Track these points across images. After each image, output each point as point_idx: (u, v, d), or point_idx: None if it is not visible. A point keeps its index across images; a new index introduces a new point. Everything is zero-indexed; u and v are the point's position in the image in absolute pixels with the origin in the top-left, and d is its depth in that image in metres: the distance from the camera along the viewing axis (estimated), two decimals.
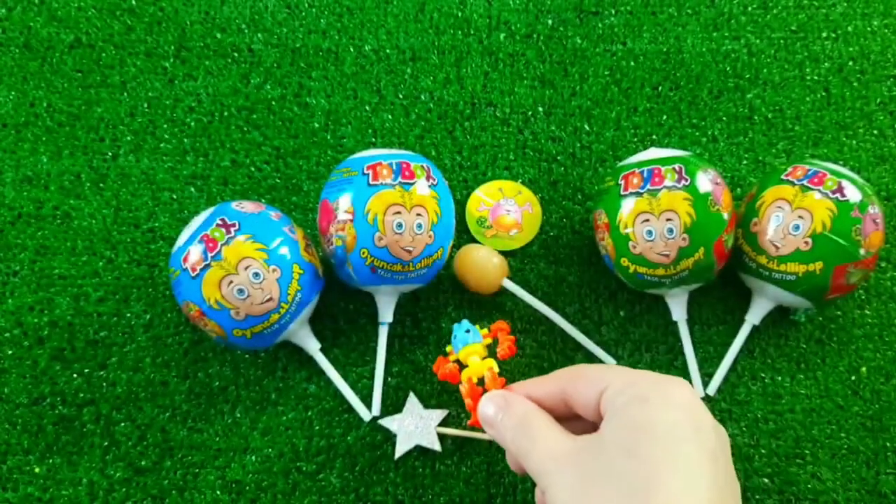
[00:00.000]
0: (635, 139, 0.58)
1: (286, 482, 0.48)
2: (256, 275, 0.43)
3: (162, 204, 0.55)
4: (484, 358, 0.44)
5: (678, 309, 0.50)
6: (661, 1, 0.62)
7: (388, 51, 0.60)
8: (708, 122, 0.58)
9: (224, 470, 0.48)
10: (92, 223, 0.54)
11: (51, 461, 0.48)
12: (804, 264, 0.45)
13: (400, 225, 0.45)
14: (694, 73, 0.59)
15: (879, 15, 0.61)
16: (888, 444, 0.49)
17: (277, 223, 0.46)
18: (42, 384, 0.50)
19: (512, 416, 0.36)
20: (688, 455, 0.30)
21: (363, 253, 0.45)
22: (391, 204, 0.45)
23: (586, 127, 0.58)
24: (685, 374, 0.50)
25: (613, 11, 0.62)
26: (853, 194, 0.45)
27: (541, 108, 0.58)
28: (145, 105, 0.58)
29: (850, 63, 0.60)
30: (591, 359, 0.51)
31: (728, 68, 0.60)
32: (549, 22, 0.61)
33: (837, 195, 0.45)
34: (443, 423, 0.49)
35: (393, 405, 0.50)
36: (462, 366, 0.45)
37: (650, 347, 0.52)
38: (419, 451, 0.48)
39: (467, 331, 0.46)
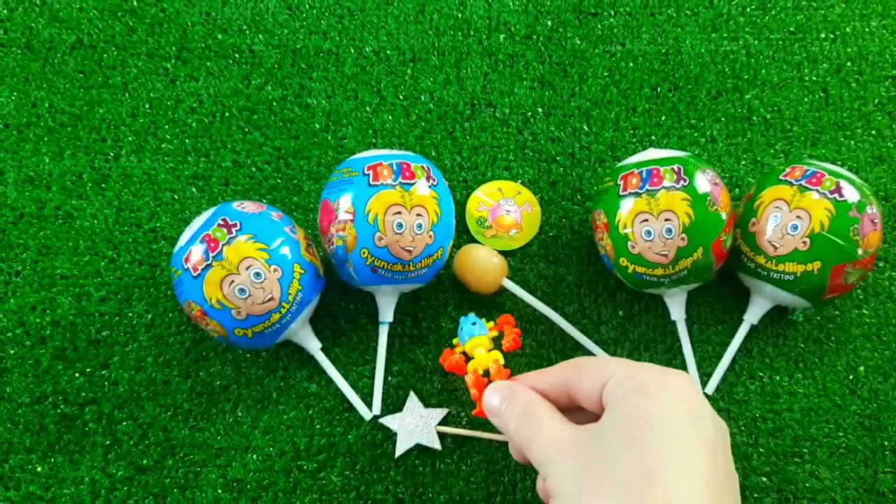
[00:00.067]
0: (634, 140, 0.58)
1: (287, 481, 0.48)
2: (258, 274, 0.43)
3: (164, 204, 0.55)
4: (489, 350, 0.46)
5: (677, 308, 0.50)
6: (660, 2, 0.62)
7: (388, 52, 0.60)
8: (706, 123, 0.58)
9: (225, 469, 0.48)
10: (94, 223, 0.54)
11: (53, 460, 0.48)
12: (802, 264, 0.46)
13: (400, 225, 0.45)
14: (693, 73, 0.60)
15: (877, 16, 0.62)
16: (886, 443, 0.49)
17: (278, 223, 0.46)
18: (44, 383, 0.50)
19: (516, 406, 0.36)
20: (686, 446, 0.30)
21: (364, 253, 0.45)
22: (391, 204, 0.45)
23: (585, 127, 0.58)
24: None
25: (612, 12, 0.62)
26: (851, 194, 0.45)
27: (540, 109, 0.59)
28: (147, 106, 0.58)
29: (849, 64, 0.60)
30: None
31: (727, 69, 0.60)
32: (549, 23, 0.61)
33: (835, 195, 0.45)
34: (443, 422, 0.49)
35: (393, 404, 0.50)
36: (468, 357, 0.47)
37: (649, 347, 0.52)
38: (419, 450, 0.49)
39: (473, 323, 0.47)
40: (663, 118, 0.58)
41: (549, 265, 0.54)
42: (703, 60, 0.60)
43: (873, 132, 0.58)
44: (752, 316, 0.50)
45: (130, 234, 0.54)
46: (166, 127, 0.57)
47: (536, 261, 0.54)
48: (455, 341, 0.49)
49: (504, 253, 0.53)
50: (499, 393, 0.38)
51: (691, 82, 0.59)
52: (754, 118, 0.58)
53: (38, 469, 0.48)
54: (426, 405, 0.49)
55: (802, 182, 0.46)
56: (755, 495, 0.48)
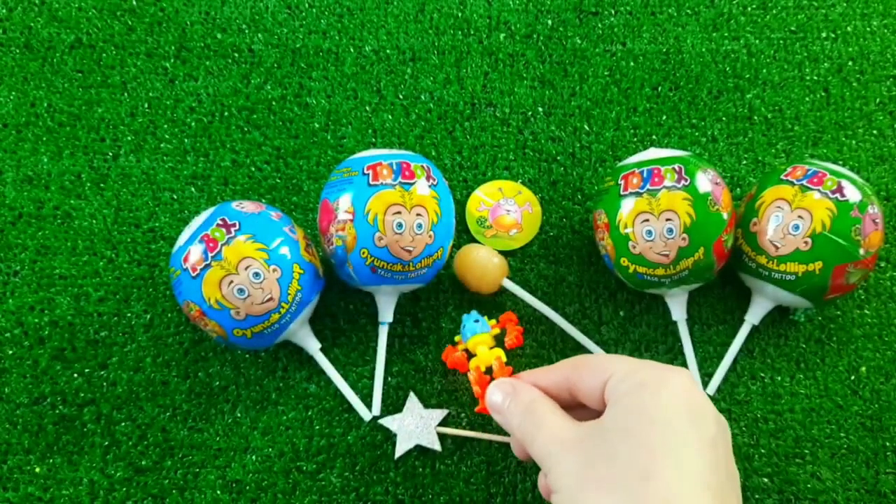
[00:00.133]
0: (635, 139, 0.58)
1: (286, 482, 0.48)
2: (257, 275, 0.43)
3: (162, 204, 0.55)
4: (492, 348, 0.46)
5: (678, 309, 0.50)
6: (661, 1, 0.62)
7: (388, 51, 0.60)
8: (707, 123, 0.58)
9: (224, 469, 0.48)
10: (93, 223, 0.54)
11: (51, 461, 0.48)
12: (804, 264, 0.45)
13: (400, 225, 0.45)
14: (693, 73, 0.60)
15: (879, 15, 0.61)
16: (888, 444, 0.49)
17: (278, 223, 0.46)
18: (43, 384, 0.50)
19: (519, 403, 0.36)
20: (687, 442, 0.30)
21: (363, 253, 0.45)
22: (391, 204, 0.45)
23: (586, 127, 0.58)
24: None
25: (613, 12, 0.62)
26: (853, 194, 0.45)
27: (541, 109, 0.58)
28: (146, 105, 0.58)
29: (850, 63, 0.60)
30: None
31: (727, 68, 0.60)
32: (549, 22, 0.61)
33: (837, 195, 0.45)
34: (443, 423, 0.49)
35: (393, 405, 0.50)
36: (470, 355, 0.47)
37: (650, 347, 0.52)
38: (419, 451, 0.48)
39: (476, 321, 0.47)
40: (664, 118, 0.58)
41: (550, 265, 0.54)
42: (704, 60, 0.60)
43: (875, 132, 0.58)
44: (754, 316, 0.50)
45: (129, 233, 0.54)
46: (165, 126, 0.57)
47: (537, 261, 0.54)
48: (457, 338, 0.49)
49: (504, 253, 0.53)
50: (502, 390, 0.38)
51: (692, 82, 0.59)
52: (755, 118, 0.58)
53: (37, 470, 0.48)
54: (426, 406, 0.49)
55: (804, 182, 0.46)
56: (756, 496, 0.48)
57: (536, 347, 0.51)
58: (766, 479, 0.48)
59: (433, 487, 0.48)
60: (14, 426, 0.49)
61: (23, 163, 0.56)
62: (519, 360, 0.51)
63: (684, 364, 0.50)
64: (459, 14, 0.61)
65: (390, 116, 0.58)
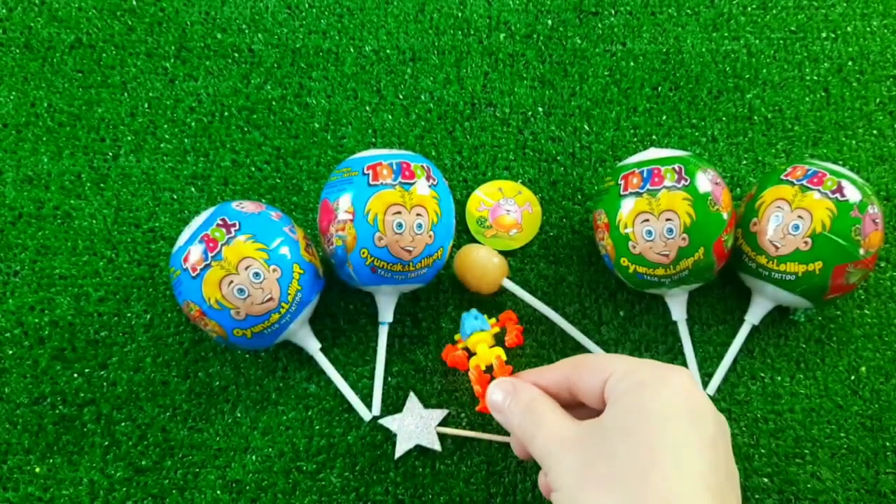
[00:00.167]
0: (635, 139, 0.58)
1: (286, 482, 0.48)
2: (257, 275, 0.43)
3: (162, 204, 0.55)
4: (492, 346, 0.46)
5: (678, 309, 0.50)
6: (661, 1, 0.62)
7: (388, 51, 0.60)
8: (707, 123, 0.58)
9: (224, 469, 0.48)
10: (93, 223, 0.54)
11: (51, 461, 0.48)
12: (804, 264, 0.45)
13: (400, 225, 0.45)
14: (693, 73, 0.60)
15: (879, 15, 0.61)
16: (888, 444, 0.49)
17: (278, 223, 0.46)
18: (43, 384, 0.50)
19: (519, 402, 0.37)
20: (686, 441, 0.30)
21: (363, 253, 0.45)
22: (391, 204, 0.45)
23: (586, 127, 0.58)
24: None
25: (613, 12, 0.62)
26: (853, 194, 0.45)
27: (541, 109, 0.58)
28: (146, 105, 0.58)
29: (850, 63, 0.60)
30: None
31: (727, 68, 0.60)
32: (549, 22, 0.61)
33: (837, 195, 0.45)
34: (443, 423, 0.49)
35: (393, 405, 0.50)
36: (470, 353, 0.47)
37: (650, 347, 0.52)
38: (419, 451, 0.48)
39: (476, 318, 0.47)
40: (664, 117, 0.58)
41: (550, 265, 0.54)
42: (704, 60, 0.60)
43: (875, 132, 0.58)
44: (754, 316, 0.50)
45: (129, 233, 0.54)
46: (165, 126, 0.57)
47: (537, 261, 0.54)
48: (457, 337, 0.49)
49: (504, 253, 0.53)
50: (502, 389, 0.38)
51: (692, 82, 0.59)
52: (755, 118, 0.58)
53: (37, 470, 0.48)
54: (426, 406, 0.49)
55: (804, 182, 0.46)
56: (756, 496, 0.48)
57: (536, 347, 0.51)
58: (766, 479, 0.48)
59: (433, 487, 0.48)
60: (14, 426, 0.49)
61: (23, 163, 0.56)
62: (519, 360, 0.51)
63: (684, 364, 0.50)
64: (459, 14, 0.61)
65: (390, 116, 0.58)
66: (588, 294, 0.53)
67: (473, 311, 0.48)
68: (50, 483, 0.48)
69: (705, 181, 0.45)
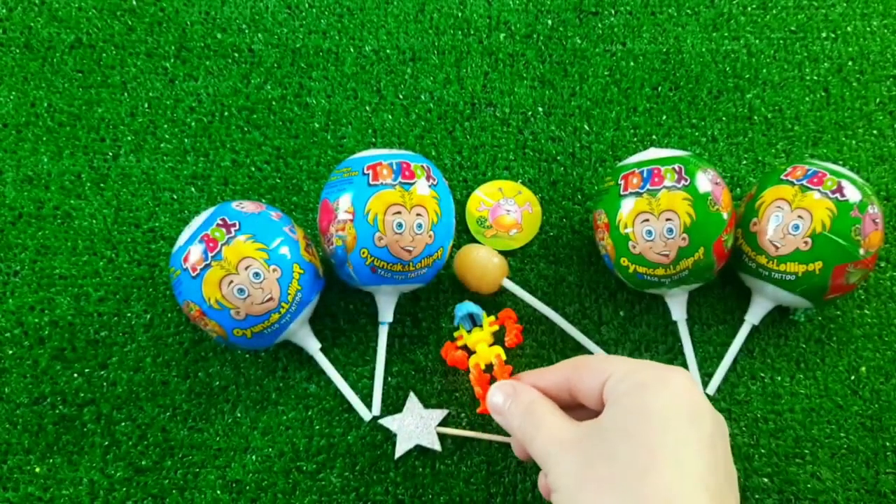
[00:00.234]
0: (635, 139, 0.58)
1: (286, 482, 0.48)
2: (257, 274, 0.43)
3: (162, 204, 0.55)
4: (491, 345, 0.46)
5: (678, 309, 0.50)
6: (661, 1, 0.62)
7: (388, 51, 0.60)
8: (707, 123, 0.58)
9: (224, 469, 0.48)
10: (93, 223, 0.54)
11: (51, 461, 0.48)
12: (804, 264, 0.45)
13: (400, 225, 0.45)
14: (693, 73, 0.59)
15: (879, 15, 0.61)
16: (888, 444, 0.49)
17: (278, 223, 0.46)
18: (43, 384, 0.50)
19: (519, 404, 0.37)
20: (685, 441, 0.30)
21: (363, 253, 0.45)
22: (391, 204, 0.45)
23: (586, 127, 0.58)
24: None
25: (613, 12, 0.62)
26: (853, 194, 0.45)
27: (541, 108, 0.58)
28: (146, 105, 0.58)
29: (850, 63, 0.60)
30: None
31: (727, 68, 0.60)
32: (549, 22, 0.61)
33: (837, 195, 0.45)
34: (443, 423, 0.49)
35: (393, 405, 0.50)
36: (470, 352, 0.47)
37: (650, 347, 0.52)
38: (419, 451, 0.48)
39: (470, 314, 0.48)
40: (664, 117, 0.58)
41: (550, 265, 0.54)
42: (704, 60, 0.60)
43: (875, 132, 0.58)
44: (754, 316, 0.50)
45: (129, 233, 0.54)
46: (165, 126, 0.57)
47: (537, 261, 0.54)
48: (456, 334, 0.49)
49: (504, 253, 0.53)
50: (502, 391, 0.38)
51: (692, 81, 0.59)
52: (755, 117, 0.58)
53: (37, 470, 0.48)
54: (426, 406, 0.49)
55: (804, 182, 0.46)
56: (756, 496, 0.48)
57: (536, 347, 0.51)
58: (766, 479, 0.48)
59: (433, 487, 0.48)
60: (14, 426, 0.49)
61: (23, 163, 0.56)
62: (519, 360, 0.51)
63: (684, 364, 0.50)
64: (459, 14, 0.61)
65: (390, 116, 0.58)
66: (588, 294, 0.53)
67: (467, 303, 0.48)
68: (50, 483, 0.48)
69: (705, 181, 0.45)
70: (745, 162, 0.57)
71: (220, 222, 0.44)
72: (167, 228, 0.54)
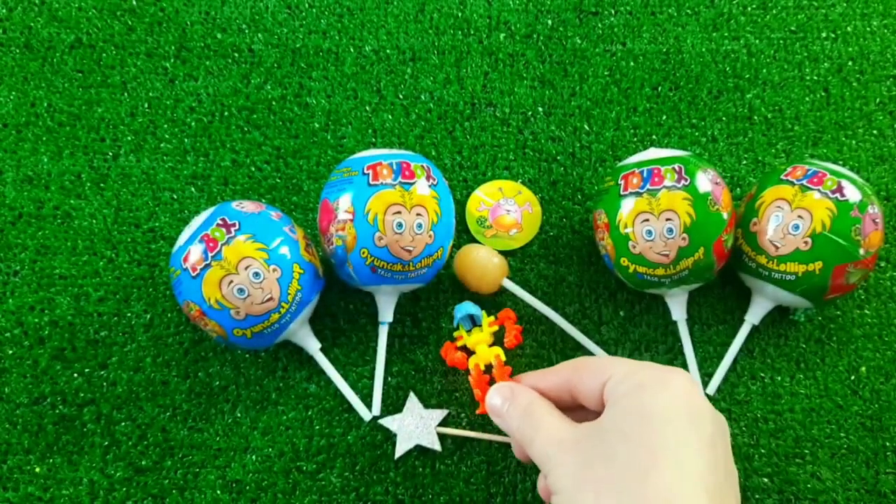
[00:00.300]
0: (635, 139, 0.58)
1: (286, 482, 0.48)
2: (257, 274, 0.43)
3: (162, 204, 0.55)
4: (491, 346, 0.46)
5: (678, 309, 0.50)
6: (661, 1, 0.62)
7: (388, 51, 0.60)
8: (707, 122, 0.58)
9: (224, 469, 0.48)
10: (92, 223, 0.54)
11: (51, 461, 0.48)
12: (804, 264, 0.45)
13: (400, 225, 0.45)
14: (693, 73, 0.60)
15: (879, 15, 0.61)
16: (888, 444, 0.49)
17: (278, 223, 0.46)
18: (43, 384, 0.50)
19: (517, 406, 0.37)
20: (685, 442, 0.30)
21: (363, 253, 0.45)
22: (391, 204, 0.45)
23: (586, 127, 0.58)
24: None
25: (613, 12, 0.62)
26: (853, 194, 0.45)
27: (541, 108, 0.58)
28: (146, 105, 0.58)
29: (850, 63, 0.60)
30: None
31: (727, 68, 0.60)
32: (549, 22, 0.61)
33: (837, 195, 0.45)
34: (443, 423, 0.49)
35: (393, 405, 0.50)
36: (469, 353, 0.47)
37: (650, 347, 0.52)
38: (419, 451, 0.48)
39: (470, 315, 0.48)
40: (664, 117, 0.58)
41: (550, 265, 0.54)
42: (704, 60, 0.60)
43: (875, 132, 0.58)
44: (754, 316, 0.50)
45: (129, 233, 0.54)
46: (165, 126, 0.57)
47: (537, 261, 0.54)
48: (456, 334, 0.49)
49: (504, 253, 0.53)
50: (500, 394, 0.38)
51: (692, 81, 0.59)
52: (755, 117, 0.58)
53: (37, 470, 0.48)
54: (426, 406, 0.49)
55: (804, 182, 0.46)
56: (756, 496, 0.48)
57: (536, 347, 0.51)
58: (766, 479, 0.48)
59: (433, 487, 0.48)
60: (14, 426, 0.49)
61: (23, 163, 0.56)
62: (519, 360, 0.51)
63: (684, 364, 0.50)
64: (459, 14, 0.61)
65: (390, 116, 0.58)
66: (588, 294, 0.53)
67: (467, 303, 0.48)
68: (50, 483, 0.48)
69: (705, 181, 0.45)
70: (745, 162, 0.57)
71: (220, 222, 0.44)
72: (167, 228, 0.54)
